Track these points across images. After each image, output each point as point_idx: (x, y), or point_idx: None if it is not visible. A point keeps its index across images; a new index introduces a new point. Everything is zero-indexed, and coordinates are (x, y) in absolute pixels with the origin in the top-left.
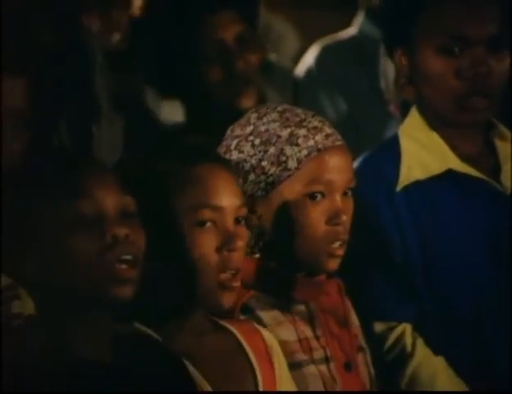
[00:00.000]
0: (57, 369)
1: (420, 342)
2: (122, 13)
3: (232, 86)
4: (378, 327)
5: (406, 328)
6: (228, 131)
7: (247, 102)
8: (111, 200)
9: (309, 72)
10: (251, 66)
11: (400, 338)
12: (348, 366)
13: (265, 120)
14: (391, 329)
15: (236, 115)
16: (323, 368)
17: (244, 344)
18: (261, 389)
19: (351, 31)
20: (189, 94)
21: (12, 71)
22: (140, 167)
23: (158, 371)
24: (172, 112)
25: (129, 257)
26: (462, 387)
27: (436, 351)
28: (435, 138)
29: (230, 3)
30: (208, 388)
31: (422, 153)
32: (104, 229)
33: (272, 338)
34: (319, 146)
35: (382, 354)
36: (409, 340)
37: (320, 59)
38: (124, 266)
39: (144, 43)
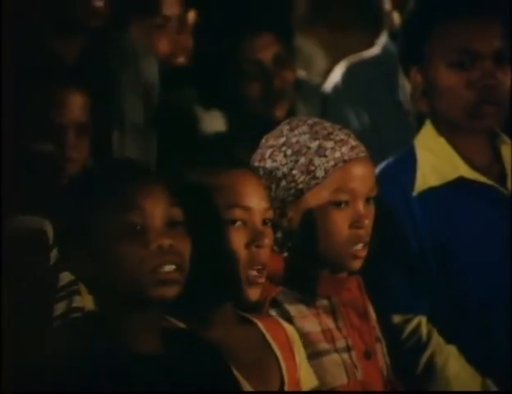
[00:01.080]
0: (113, 360)
1: (434, 332)
2: (188, 38)
3: (269, 100)
4: (396, 319)
5: (421, 320)
6: (263, 141)
7: (280, 113)
8: (158, 212)
9: (336, 88)
10: (286, 83)
11: (416, 329)
12: (367, 354)
13: (296, 132)
14: (408, 321)
15: (270, 125)
16: (345, 356)
17: (268, 335)
18: (285, 376)
19: (374, 51)
20: (232, 107)
21: (75, 86)
22: (184, 171)
23: (202, 362)
24: (215, 123)
25: (172, 266)
26: (472, 372)
27: (448, 340)
28: (447, 148)
29: (268, 27)
30: (240, 379)
31: (436, 161)
32: (150, 239)
33: (292, 330)
34: (345, 157)
35: (400, 343)
36: (424, 330)
37: (346, 76)
38: (170, 266)
39: (195, 63)
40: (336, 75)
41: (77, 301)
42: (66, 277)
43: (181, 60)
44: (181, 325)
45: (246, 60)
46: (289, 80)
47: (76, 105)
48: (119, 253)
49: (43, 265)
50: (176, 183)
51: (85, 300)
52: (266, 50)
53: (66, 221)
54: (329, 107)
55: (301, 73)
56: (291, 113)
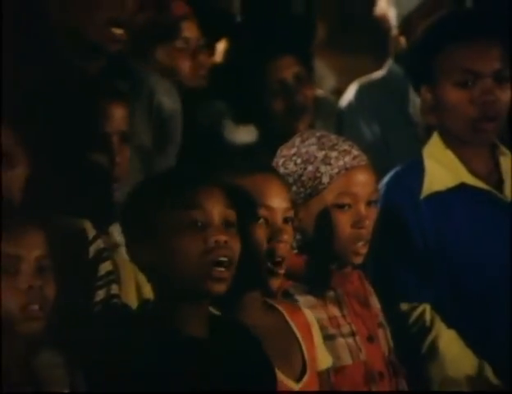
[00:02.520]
0: (165, 342)
1: (437, 319)
2: (207, 57)
3: (292, 114)
4: (403, 306)
5: (426, 308)
6: (278, 151)
7: (303, 126)
8: (217, 212)
9: (350, 104)
10: (307, 99)
11: (421, 315)
12: (370, 338)
13: (306, 143)
14: (414, 308)
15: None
16: (350, 340)
17: (290, 320)
18: (306, 357)
19: (381, 72)
20: (259, 121)
21: (117, 99)
22: (217, 175)
23: (242, 345)
24: (245, 135)
25: (225, 259)
26: (470, 354)
27: (449, 326)
28: (451, 157)
29: (290, 49)
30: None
31: (441, 169)
32: (209, 235)
33: (311, 315)
34: (347, 166)
35: (407, 328)
36: (428, 317)
37: (358, 94)
38: (220, 268)
39: (226, 81)
40: (350, 93)
41: (114, 289)
42: (104, 268)
43: (201, 78)
44: (217, 312)
45: (271, 79)
46: (309, 97)
47: (119, 115)
48: (181, 246)
49: (83, 258)
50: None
51: (143, 289)
52: (288, 70)
53: (134, 220)
54: (344, 122)
55: (319, 91)
56: (310, 127)
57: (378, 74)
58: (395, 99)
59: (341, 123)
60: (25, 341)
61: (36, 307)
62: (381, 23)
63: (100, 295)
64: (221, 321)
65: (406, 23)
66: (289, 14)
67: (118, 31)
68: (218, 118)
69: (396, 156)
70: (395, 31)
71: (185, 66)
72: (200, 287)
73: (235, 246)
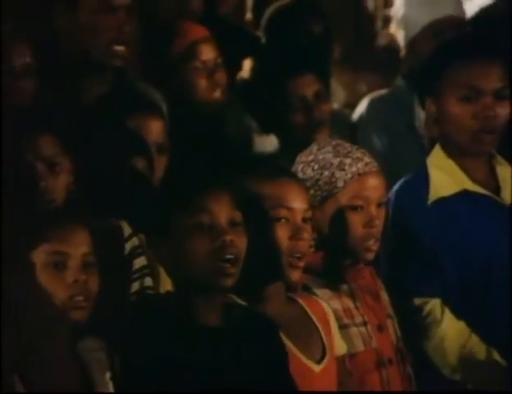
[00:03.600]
0: (184, 329)
1: (446, 311)
2: (223, 75)
3: (310, 127)
4: (417, 301)
5: (436, 302)
6: (297, 158)
7: (320, 138)
8: (223, 213)
9: (362, 117)
10: (324, 114)
11: (433, 308)
12: (380, 328)
13: (322, 151)
14: (426, 303)
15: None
16: (362, 329)
17: (309, 311)
18: (326, 344)
19: (391, 89)
20: (281, 133)
21: (154, 113)
22: (244, 180)
23: (257, 332)
24: (269, 144)
25: (231, 256)
26: (478, 341)
27: (458, 317)
28: (453, 166)
29: (311, 69)
30: (291, 347)
31: (444, 177)
32: (216, 235)
33: (327, 306)
34: (360, 171)
35: (420, 320)
36: (438, 310)
37: (369, 108)
38: (227, 264)
39: (252, 96)
40: (362, 107)
41: (148, 281)
42: (138, 262)
43: (217, 95)
44: (241, 302)
45: (293, 95)
46: (326, 112)
47: (156, 128)
48: (192, 246)
49: (120, 254)
50: (236, 191)
51: (164, 282)
52: (308, 87)
53: (154, 222)
54: (357, 133)
55: (334, 105)
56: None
57: (388, 90)
58: (403, 113)
59: (354, 134)
60: (71, 327)
61: (81, 298)
62: (390, 45)
63: (135, 286)
64: (235, 310)
65: (413, 44)
66: (309, 36)
67: (121, 49)
68: (247, 131)
69: (403, 164)
70: (403, 51)
71: (201, 84)
72: (211, 281)
73: (241, 244)
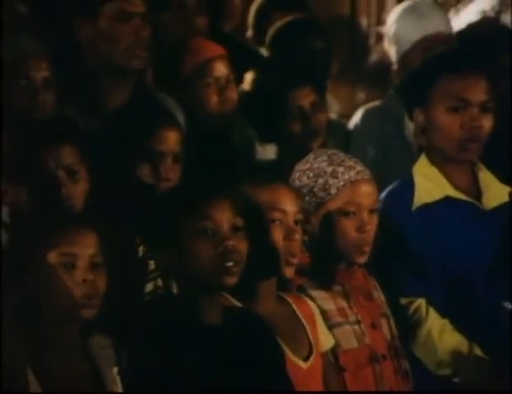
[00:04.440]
0: (185, 327)
1: (431, 310)
2: (234, 92)
3: (307, 136)
4: (403, 301)
5: (422, 302)
6: (295, 167)
7: (316, 145)
8: (225, 220)
9: (357, 127)
10: (320, 123)
11: (418, 308)
12: (373, 325)
13: (318, 160)
14: (412, 302)
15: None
16: (356, 327)
17: (297, 310)
18: (312, 341)
19: (384, 100)
20: (279, 141)
21: (172, 125)
22: (242, 186)
23: (253, 330)
24: (267, 152)
25: (233, 261)
26: (461, 338)
27: (443, 316)
28: (437, 173)
29: (308, 81)
30: (281, 344)
31: (428, 184)
32: (218, 241)
33: (314, 305)
34: (352, 179)
35: (406, 318)
36: (423, 309)
37: (364, 117)
38: (230, 263)
39: (252, 106)
40: (357, 117)
41: (160, 283)
42: (152, 265)
43: (227, 109)
44: (237, 303)
45: (291, 105)
46: (323, 121)
47: (173, 139)
48: (195, 251)
49: (134, 257)
50: (236, 196)
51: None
52: (305, 98)
53: (159, 228)
54: (352, 142)
55: (332, 115)
56: (324, 145)
57: (381, 101)
58: (394, 123)
59: (349, 142)
60: (81, 325)
61: (89, 297)
62: (382, 60)
63: (148, 287)
64: (233, 310)
65: (404, 58)
66: (310, 52)
67: (139, 53)
68: (250, 141)
69: (395, 172)
70: (395, 65)
71: (213, 99)
72: (214, 282)
73: (243, 248)
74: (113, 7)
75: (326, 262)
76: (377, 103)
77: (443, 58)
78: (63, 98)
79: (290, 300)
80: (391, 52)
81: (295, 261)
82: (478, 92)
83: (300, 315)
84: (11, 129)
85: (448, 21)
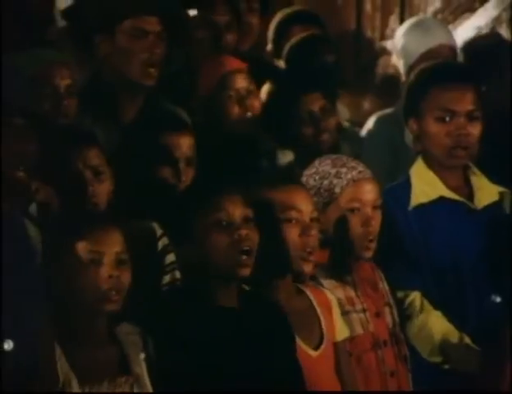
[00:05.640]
0: (204, 311)
1: (425, 302)
2: (254, 101)
3: (318, 138)
4: (399, 294)
5: (416, 294)
6: (304, 172)
7: (327, 144)
8: (237, 212)
9: (369, 132)
10: (330, 126)
11: (413, 300)
12: (377, 314)
13: (322, 164)
14: (407, 295)
15: (319, 154)
16: (362, 315)
17: (314, 301)
18: (324, 330)
19: (393, 108)
20: (293, 143)
21: (185, 131)
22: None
23: (268, 314)
24: (286, 158)
25: (247, 248)
26: (452, 329)
27: (435, 307)
28: (432, 176)
29: (317, 87)
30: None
31: (424, 185)
32: (233, 230)
33: (331, 295)
34: (354, 178)
35: (402, 310)
36: (418, 301)
37: (376, 124)
38: (244, 256)
39: (269, 115)
40: (370, 123)
41: (177, 274)
42: (169, 258)
43: (250, 115)
44: (247, 288)
45: (302, 110)
46: (332, 124)
47: (186, 144)
48: (212, 241)
49: (153, 251)
50: (255, 199)
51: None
52: (315, 103)
53: (178, 221)
54: (364, 146)
55: (345, 123)
56: (336, 151)
57: (391, 109)
58: (400, 129)
59: (362, 147)
60: (107, 316)
61: (114, 292)
62: (386, 72)
63: (166, 279)
64: (249, 294)
65: (411, 70)
66: (322, 64)
67: (152, 71)
68: (270, 146)
69: (402, 173)
70: (403, 77)
71: (234, 109)
72: (230, 272)
73: (255, 237)
74: (130, 24)
75: (336, 255)
76: (388, 110)
77: (432, 72)
78: (82, 108)
79: (307, 291)
80: (400, 64)
81: (313, 258)
82: (465, 102)
83: (317, 306)
84: (40, 131)
85: (451, 35)
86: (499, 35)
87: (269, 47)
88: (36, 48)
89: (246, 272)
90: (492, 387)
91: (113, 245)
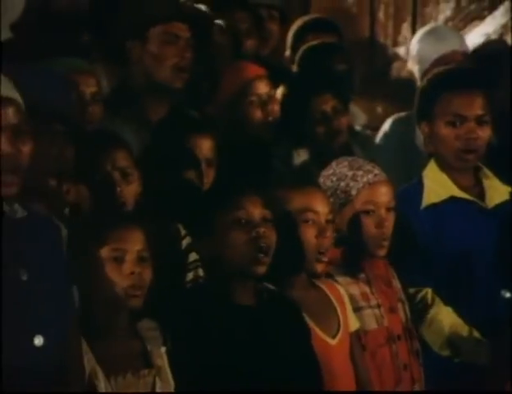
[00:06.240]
0: (221, 308)
1: (436, 298)
2: (274, 106)
3: (330, 137)
4: (411, 290)
5: (428, 291)
6: (321, 173)
7: (339, 142)
8: (256, 211)
9: (385, 133)
10: (342, 125)
11: (424, 296)
12: (391, 309)
13: (339, 166)
14: (419, 291)
15: (331, 152)
16: (376, 310)
17: (330, 295)
18: (341, 323)
19: (410, 112)
20: (307, 142)
21: (206, 133)
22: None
23: (284, 312)
24: (300, 156)
25: (265, 245)
26: (462, 323)
27: (446, 303)
28: (444, 177)
29: (328, 88)
30: (312, 325)
31: (436, 186)
32: (251, 228)
33: (343, 290)
34: (370, 181)
35: (414, 305)
36: (429, 297)
37: (392, 126)
38: (261, 254)
39: (283, 113)
40: (386, 125)
41: (200, 272)
42: (192, 256)
43: (272, 120)
44: (272, 287)
45: (314, 110)
46: (343, 123)
47: (206, 146)
48: (231, 238)
49: (177, 249)
50: (274, 200)
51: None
52: (327, 103)
53: (200, 220)
54: (381, 147)
55: (357, 127)
56: (349, 152)
57: (406, 113)
58: (413, 132)
59: (378, 146)
60: (129, 312)
61: (136, 288)
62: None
63: (189, 276)
64: (265, 292)
65: (425, 75)
66: (334, 71)
67: (182, 75)
68: (287, 148)
69: (415, 174)
70: (418, 81)
71: (256, 114)
72: (247, 269)
73: (272, 236)
74: (162, 30)
75: (350, 254)
76: (403, 113)
77: (443, 78)
78: (111, 110)
79: (322, 285)
80: (415, 69)
81: (326, 259)
82: (474, 108)
83: (332, 298)
84: (71, 135)
85: (463, 41)
86: (504, 42)
87: (287, 52)
88: (65, 57)
89: (262, 270)
90: (502, 380)
91: (135, 243)
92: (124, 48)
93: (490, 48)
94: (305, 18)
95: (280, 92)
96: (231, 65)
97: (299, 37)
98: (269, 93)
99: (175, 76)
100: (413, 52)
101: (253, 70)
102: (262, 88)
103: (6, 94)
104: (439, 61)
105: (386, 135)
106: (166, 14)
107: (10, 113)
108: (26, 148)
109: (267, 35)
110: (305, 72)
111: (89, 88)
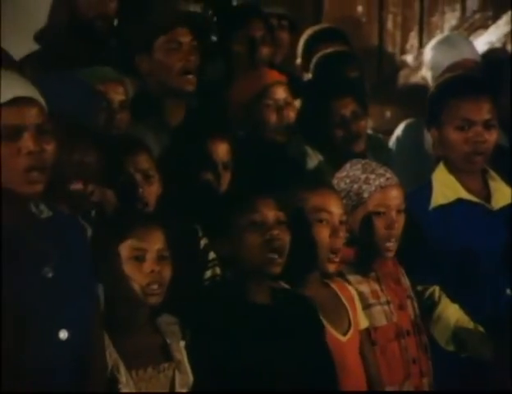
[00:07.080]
0: (237, 307)
1: (443, 296)
2: (290, 111)
3: (348, 140)
4: (419, 287)
5: (435, 288)
6: (335, 175)
7: (357, 149)
8: (271, 214)
9: (398, 137)
10: (360, 128)
11: (432, 293)
12: (400, 306)
13: (353, 168)
14: (426, 289)
15: (350, 156)
16: (386, 307)
17: (340, 294)
18: (352, 321)
19: (417, 119)
20: (326, 145)
21: (222, 137)
22: (295, 189)
23: (299, 310)
24: (313, 159)
25: (278, 246)
26: (468, 320)
27: (453, 300)
28: (452, 179)
29: (348, 92)
30: (325, 323)
31: (444, 188)
32: (266, 230)
33: (353, 289)
34: (382, 185)
35: (422, 302)
36: (437, 294)
37: (404, 131)
38: (276, 255)
39: (302, 118)
40: (399, 130)
41: (218, 270)
42: (210, 255)
43: (286, 125)
44: (286, 286)
45: (334, 114)
46: (363, 127)
47: (223, 150)
48: (246, 240)
49: (196, 248)
50: (289, 201)
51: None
52: (346, 107)
53: (217, 221)
54: (394, 151)
55: (369, 131)
56: (363, 157)
57: (416, 119)
58: (422, 136)
59: (391, 150)
60: (149, 308)
61: (155, 286)
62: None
63: (207, 274)
64: (280, 292)
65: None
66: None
67: (190, 77)
68: (302, 151)
69: (426, 177)
70: (432, 88)
71: (272, 117)
72: (262, 269)
73: (286, 238)
74: (165, 39)
75: (362, 253)
76: (413, 119)
77: (451, 84)
78: (134, 117)
79: (333, 285)
80: (428, 76)
81: (337, 259)
82: (482, 112)
83: (342, 297)
84: (98, 141)
85: (474, 50)
86: (505, 50)
87: (298, 61)
88: (97, 66)
89: (276, 270)
90: (506, 375)
91: (155, 242)
92: (134, 61)
93: (493, 56)
94: (315, 28)
95: (298, 101)
96: (251, 70)
97: (310, 46)
98: (286, 99)
99: (183, 80)
100: (427, 59)
101: (274, 75)
102: (280, 93)
103: (31, 95)
104: (451, 69)
105: (398, 140)
106: (167, 23)
107: (33, 113)
108: (50, 147)
109: (278, 44)
110: (324, 77)
111: (117, 96)
